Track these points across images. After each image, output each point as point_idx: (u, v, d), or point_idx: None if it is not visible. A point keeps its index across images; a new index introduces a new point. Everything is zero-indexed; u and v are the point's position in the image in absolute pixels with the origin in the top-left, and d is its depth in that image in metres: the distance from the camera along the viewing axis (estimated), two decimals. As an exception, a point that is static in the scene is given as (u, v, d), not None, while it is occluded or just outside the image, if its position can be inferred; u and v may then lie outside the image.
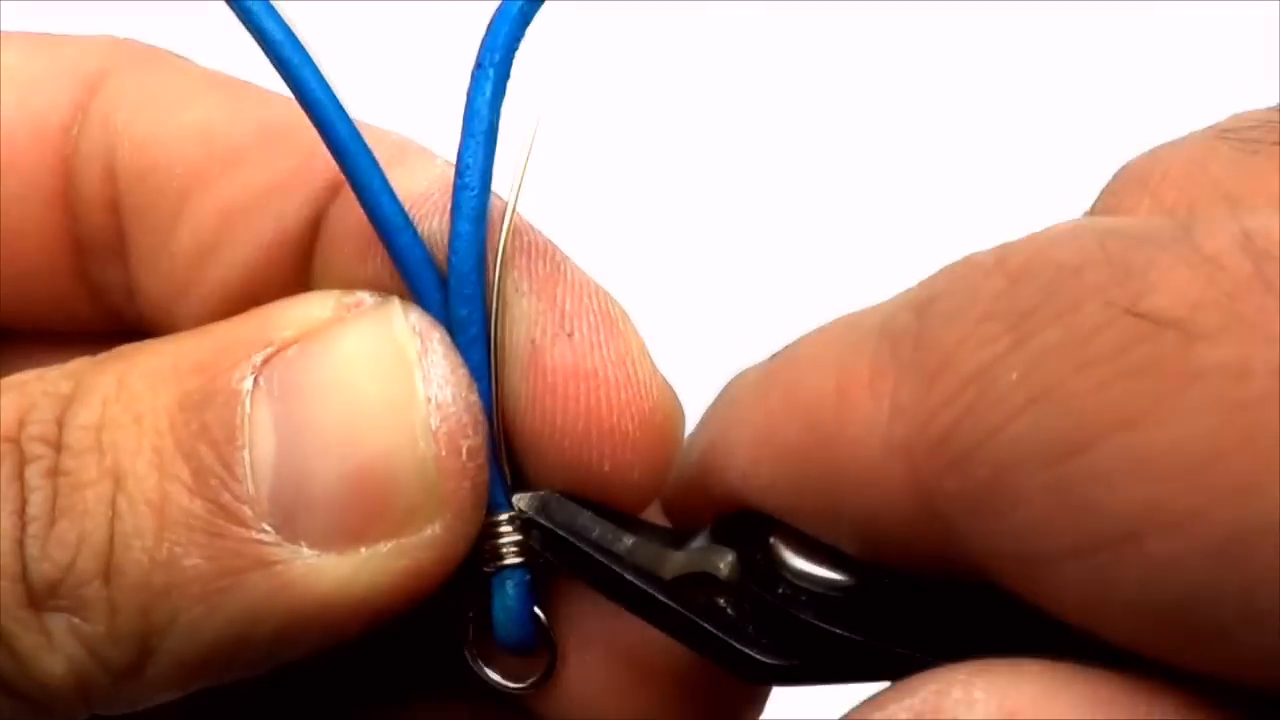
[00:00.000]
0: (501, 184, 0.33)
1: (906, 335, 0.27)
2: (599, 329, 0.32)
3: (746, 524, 0.31)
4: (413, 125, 0.36)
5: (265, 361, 0.31)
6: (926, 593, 0.28)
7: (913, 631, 0.28)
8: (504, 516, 0.33)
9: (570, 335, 0.32)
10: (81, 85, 0.36)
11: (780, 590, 0.30)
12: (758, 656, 0.30)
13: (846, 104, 0.77)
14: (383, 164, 0.32)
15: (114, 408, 0.31)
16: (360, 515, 0.31)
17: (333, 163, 0.32)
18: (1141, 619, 0.24)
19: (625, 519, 0.33)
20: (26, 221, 0.36)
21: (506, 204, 0.33)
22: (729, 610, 0.31)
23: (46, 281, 0.37)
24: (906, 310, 0.28)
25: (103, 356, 0.33)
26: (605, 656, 0.34)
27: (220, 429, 0.31)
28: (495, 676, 0.34)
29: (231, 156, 0.34)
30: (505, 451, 0.33)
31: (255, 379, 0.31)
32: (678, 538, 0.33)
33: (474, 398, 0.32)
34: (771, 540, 0.30)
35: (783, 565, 0.30)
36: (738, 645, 0.30)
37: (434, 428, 0.31)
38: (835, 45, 0.78)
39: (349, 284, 0.33)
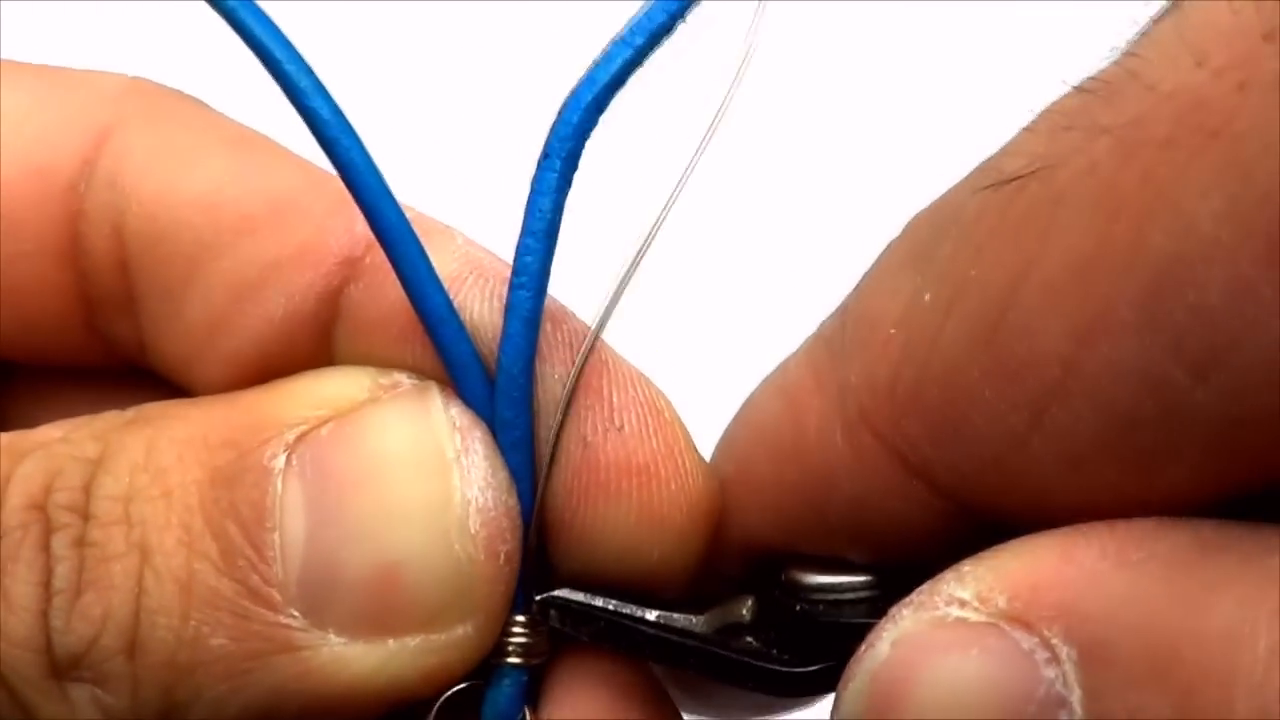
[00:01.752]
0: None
1: (836, 327, 0.31)
2: (648, 421, 0.32)
3: (762, 571, 0.33)
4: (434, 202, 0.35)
5: (298, 440, 0.31)
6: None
7: None
8: (519, 617, 0.33)
9: (621, 429, 0.32)
10: (90, 138, 0.35)
11: (798, 609, 0.31)
12: (785, 669, 0.31)
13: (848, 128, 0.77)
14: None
15: (142, 478, 0.31)
16: (390, 608, 0.31)
17: (344, 236, 0.32)
18: (1107, 455, 0.25)
19: (641, 599, 0.33)
20: (34, 278, 0.36)
21: (586, 328, 0.33)
22: (757, 644, 0.32)
23: (57, 332, 0.37)
24: (833, 313, 0.31)
25: (131, 416, 0.32)
26: None
27: (250, 509, 0.30)
28: None
29: (241, 225, 0.34)
30: (535, 552, 0.33)
31: (288, 458, 0.31)
32: (696, 604, 0.34)
33: (513, 502, 0.32)
34: (784, 573, 0.32)
35: (798, 588, 0.32)
36: (768, 665, 0.31)
37: (473, 532, 0.31)
38: (833, 45, 0.77)
39: (382, 364, 0.33)
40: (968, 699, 0.25)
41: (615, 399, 0.32)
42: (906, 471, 0.29)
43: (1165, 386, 0.24)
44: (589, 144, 0.31)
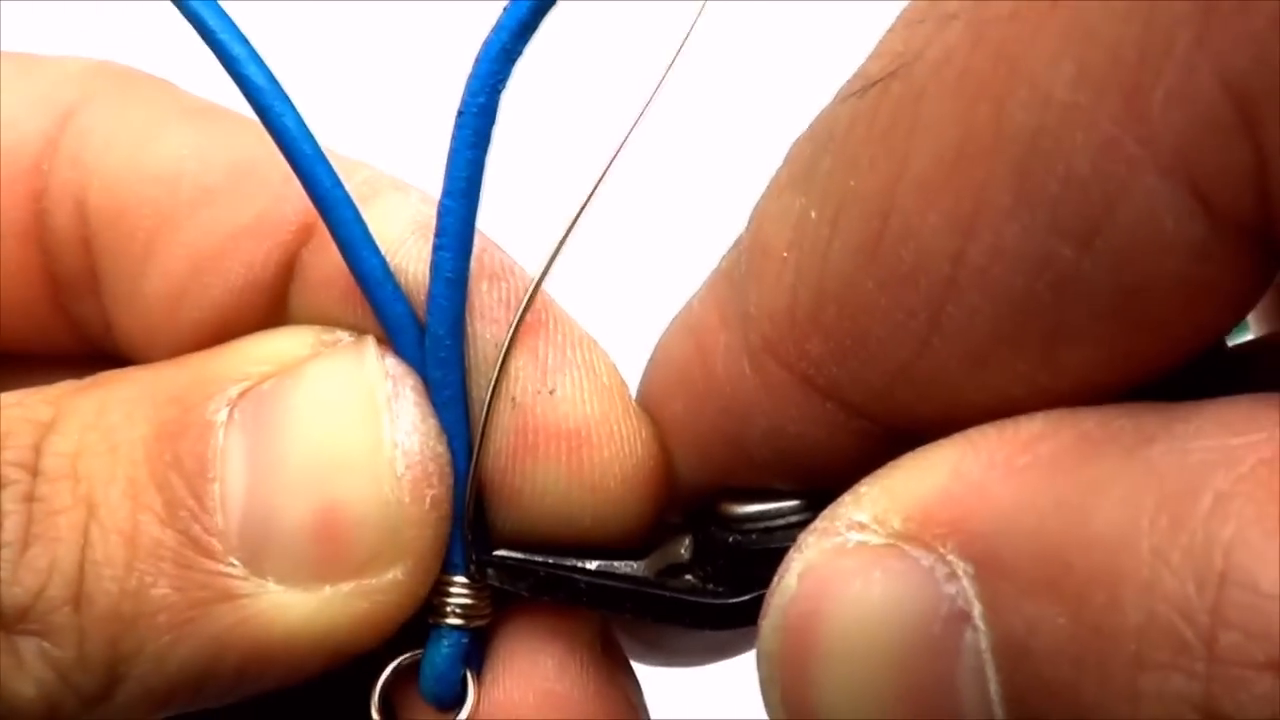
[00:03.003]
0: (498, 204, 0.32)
1: (733, 259, 0.30)
2: (583, 384, 0.32)
3: (698, 510, 0.33)
4: (398, 157, 0.35)
5: (241, 395, 0.32)
6: None
7: None
8: (458, 577, 0.33)
9: (553, 392, 0.32)
10: (54, 118, 0.36)
11: (731, 540, 0.32)
12: (718, 602, 0.31)
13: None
14: (356, 201, 0.32)
15: (91, 435, 0.31)
16: (325, 554, 0.31)
17: (302, 203, 0.32)
18: (1008, 346, 0.25)
19: (580, 552, 0.34)
20: (1, 257, 0.36)
21: (524, 277, 0.32)
22: (694, 581, 0.32)
23: (25, 313, 0.37)
24: (731, 245, 0.31)
25: (85, 382, 0.33)
26: None
27: (193, 460, 0.31)
28: None
29: (200, 197, 0.34)
30: (473, 513, 0.33)
31: (230, 412, 0.31)
32: (637, 551, 0.34)
33: (441, 449, 0.32)
34: (717, 507, 0.32)
35: (730, 519, 0.32)
36: (701, 600, 0.32)
37: (399, 474, 0.31)
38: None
39: (330, 325, 0.33)
40: (875, 623, 0.26)
41: (550, 360, 0.32)
42: (817, 395, 0.29)
43: (1052, 264, 0.24)
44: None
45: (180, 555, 0.31)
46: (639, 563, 0.33)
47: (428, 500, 0.32)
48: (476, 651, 0.34)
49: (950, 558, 0.25)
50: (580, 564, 0.33)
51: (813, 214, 0.28)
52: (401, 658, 0.34)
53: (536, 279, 0.32)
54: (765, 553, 0.30)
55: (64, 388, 0.33)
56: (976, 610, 0.25)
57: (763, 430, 0.30)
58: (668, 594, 0.32)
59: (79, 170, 0.35)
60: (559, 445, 0.32)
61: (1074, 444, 0.25)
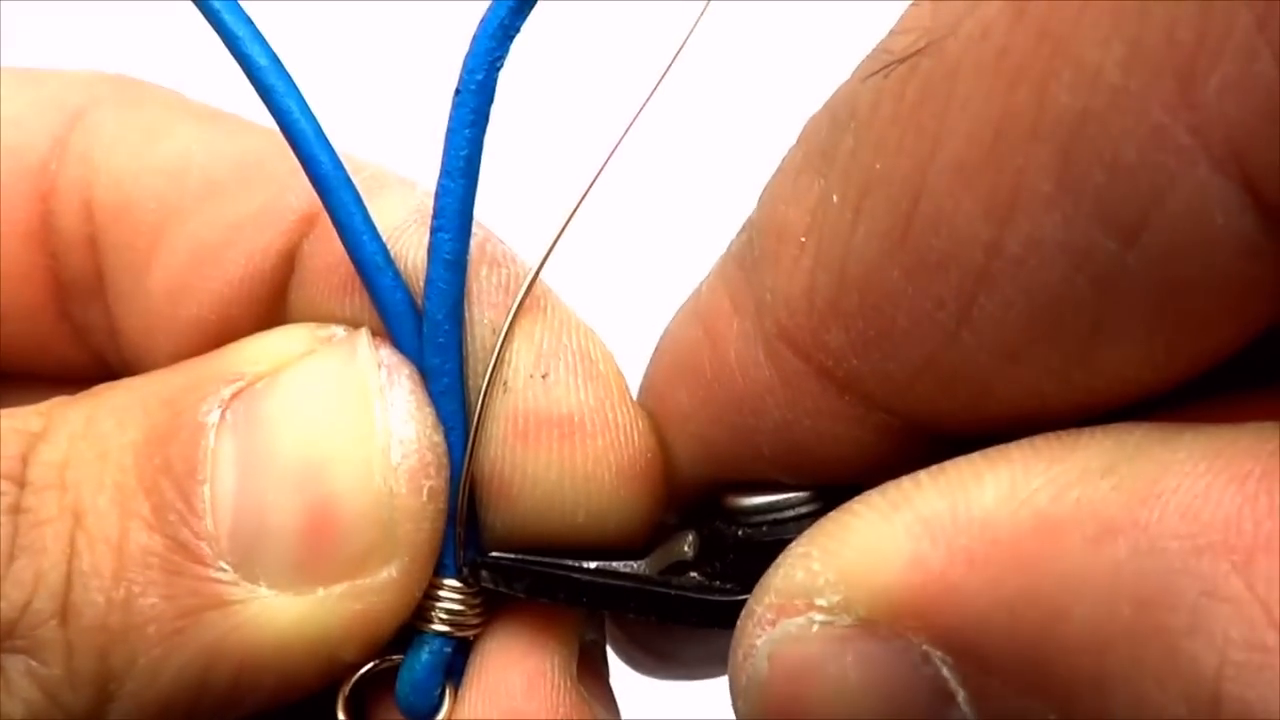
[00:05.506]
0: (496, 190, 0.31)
1: (744, 243, 0.29)
2: (577, 370, 0.31)
3: (700, 505, 0.31)
4: (403, 155, 0.34)
5: (234, 396, 0.30)
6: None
7: None
8: (448, 580, 0.31)
9: (545, 376, 0.31)
10: (62, 120, 0.35)
11: (740, 534, 0.30)
12: (726, 598, 0.30)
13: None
14: (362, 196, 0.31)
15: (80, 444, 0.30)
16: (317, 552, 0.30)
17: (305, 194, 0.31)
18: (1042, 342, 0.24)
19: (579, 553, 0.32)
20: (7, 260, 0.35)
21: (522, 268, 0.31)
22: (701, 579, 0.31)
23: (30, 322, 0.36)
24: (741, 229, 0.29)
25: (79, 395, 0.32)
26: None
27: (182, 463, 0.30)
28: None
29: (206, 190, 0.33)
30: (466, 514, 0.31)
31: (222, 413, 0.30)
32: (636, 553, 0.32)
33: (439, 439, 0.31)
34: (721, 501, 0.31)
35: (738, 512, 0.30)
36: (712, 598, 0.30)
37: (394, 464, 0.30)
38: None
39: (327, 320, 0.32)
40: (857, 705, 0.25)
41: (545, 345, 0.31)
42: (834, 387, 0.27)
43: (1094, 257, 0.23)
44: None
45: (169, 562, 0.29)
46: (639, 562, 0.32)
47: (425, 491, 0.30)
48: (459, 662, 0.32)
49: (924, 647, 0.24)
50: (579, 563, 0.31)
51: (834, 197, 0.26)
52: (377, 660, 0.32)
53: (538, 263, 0.30)
54: (777, 544, 0.28)
55: (56, 401, 0.32)
56: (961, 696, 0.24)
57: (774, 423, 0.29)
58: (673, 591, 0.31)
59: (86, 167, 0.35)
60: (550, 432, 0.30)
61: (1033, 530, 0.23)
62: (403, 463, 0.30)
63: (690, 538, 0.31)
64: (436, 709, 0.32)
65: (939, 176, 0.24)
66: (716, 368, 0.29)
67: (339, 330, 0.32)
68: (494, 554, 0.31)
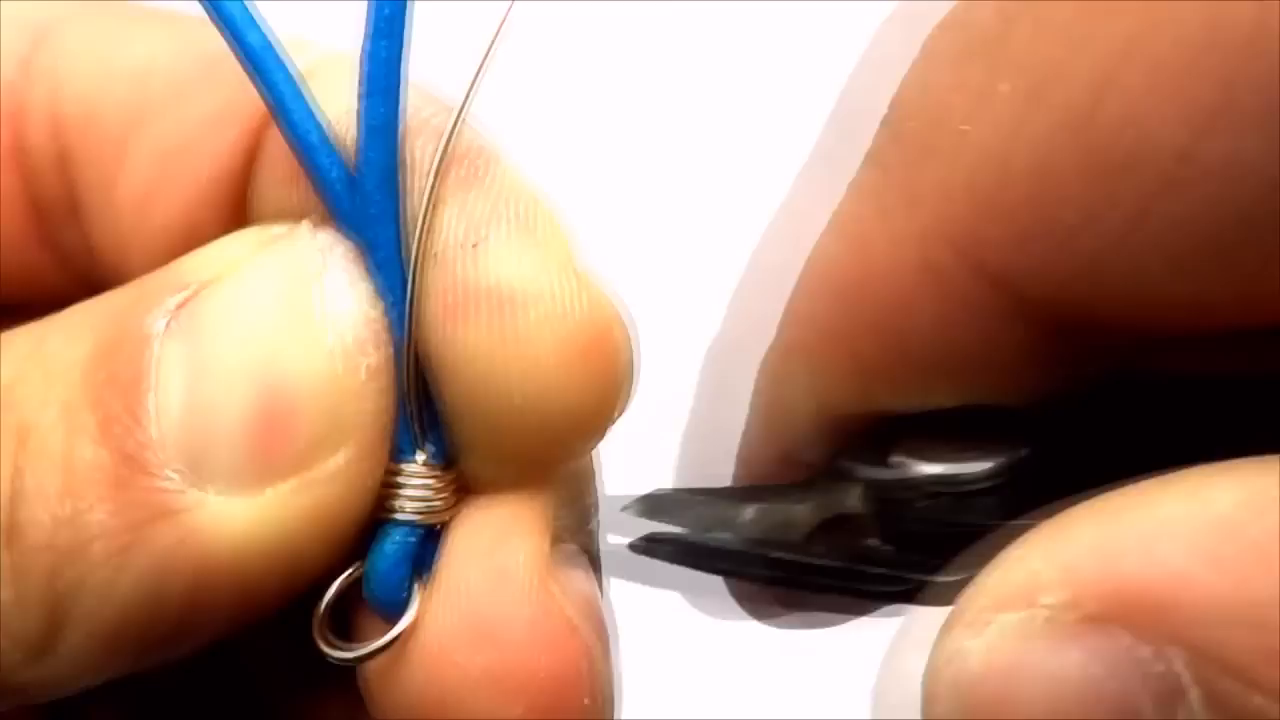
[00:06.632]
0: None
1: (886, 142, 0.28)
2: (512, 238, 0.28)
3: (857, 446, 0.30)
4: None
5: (179, 306, 0.29)
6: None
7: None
8: (406, 465, 0.29)
9: (475, 246, 0.28)
10: (27, 40, 0.34)
11: (921, 504, 0.29)
12: (918, 577, 0.28)
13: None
14: (305, 77, 0.29)
15: (26, 364, 0.29)
16: (264, 448, 0.28)
17: None
18: (1215, 260, 0.23)
19: (738, 491, 0.31)
20: None
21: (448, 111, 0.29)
22: (872, 543, 0.30)
23: (11, 250, 0.35)
24: (878, 132, 0.28)
25: (33, 323, 0.31)
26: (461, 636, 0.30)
27: (128, 374, 0.29)
28: (320, 643, 0.30)
29: (171, 93, 0.32)
30: (417, 389, 0.29)
31: (168, 323, 0.29)
32: (794, 491, 0.31)
33: (374, 314, 0.29)
34: (892, 460, 0.29)
35: (914, 481, 0.29)
36: (902, 574, 0.29)
37: (329, 345, 0.28)
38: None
39: (281, 214, 0.31)
40: (1077, 704, 0.24)
41: (479, 212, 0.28)
42: (990, 286, 0.26)
43: None
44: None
45: (116, 475, 0.28)
46: (800, 506, 0.30)
47: (363, 370, 0.28)
48: (430, 554, 0.30)
49: (1158, 645, 0.23)
50: (733, 511, 0.30)
51: (1004, 86, 0.25)
52: (351, 570, 0.30)
53: (456, 112, 0.28)
54: (962, 528, 0.28)
55: (11, 330, 0.31)
56: (1193, 694, 0.23)
57: (926, 329, 0.28)
58: (854, 567, 0.29)
59: (53, 83, 0.34)
60: (479, 305, 0.28)
61: None
62: (336, 342, 0.28)
63: (858, 491, 0.30)
64: (406, 606, 0.29)
65: (1134, 75, 0.23)
66: (863, 278, 0.28)
67: (284, 226, 0.30)
68: (645, 534, 0.30)
